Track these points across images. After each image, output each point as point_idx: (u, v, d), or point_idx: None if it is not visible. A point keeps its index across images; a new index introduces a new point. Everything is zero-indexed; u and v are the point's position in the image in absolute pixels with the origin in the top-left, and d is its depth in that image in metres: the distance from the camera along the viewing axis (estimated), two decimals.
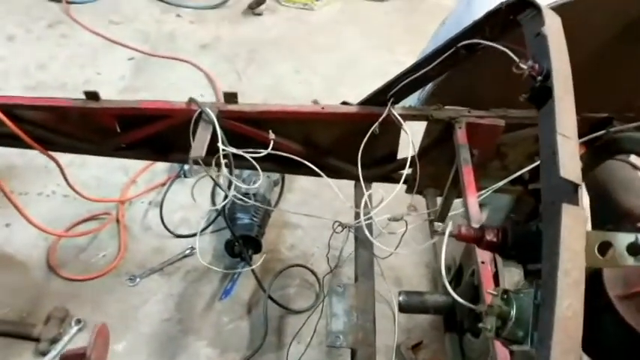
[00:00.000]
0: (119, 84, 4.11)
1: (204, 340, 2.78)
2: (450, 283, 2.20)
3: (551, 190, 1.38)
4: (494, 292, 1.37)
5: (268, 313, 2.78)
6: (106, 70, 4.22)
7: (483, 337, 1.92)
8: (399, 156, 2.55)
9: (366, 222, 2.22)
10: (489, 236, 1.49)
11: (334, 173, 2.54)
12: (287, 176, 3.43)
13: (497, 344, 1.59)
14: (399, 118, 2.25)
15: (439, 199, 2.56)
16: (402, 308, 2.10)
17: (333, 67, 4.37)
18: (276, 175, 3.35)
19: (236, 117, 2.31)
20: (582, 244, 1.25)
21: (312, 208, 3.29)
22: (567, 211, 1.29)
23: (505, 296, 1.36)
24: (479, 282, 1.81)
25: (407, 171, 2.31)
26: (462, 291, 2.12)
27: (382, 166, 2.55)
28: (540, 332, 1.22)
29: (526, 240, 1.47)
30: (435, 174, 2.47)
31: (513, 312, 1.32)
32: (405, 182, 2.50)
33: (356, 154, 2.28)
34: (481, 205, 3.04)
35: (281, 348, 2.75)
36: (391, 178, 2.59)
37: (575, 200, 1.32)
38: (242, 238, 2.88)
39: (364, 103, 2.35)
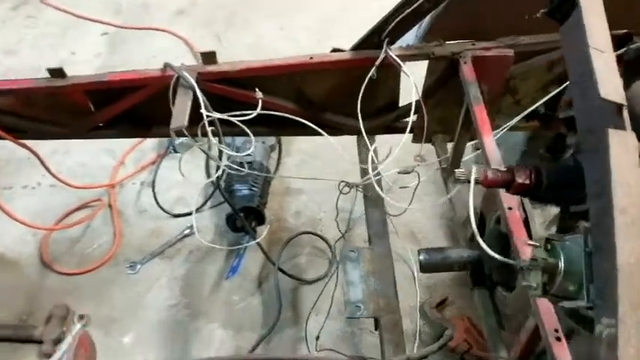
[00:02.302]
0: (95, 62, 3.86)
1: (215, 322, 2.61)
2: (471, 236, 2.03)
3: (590, 115, 1.17)
4: (536, 243, 1.18)
5: (280, 286, 2.61)
6: (80, 49, 3.96)
7: (519, 290, 1.73)
8: (402, 103, 2.34)
9: (375, 178, 2.02)
10: (520, 178, 1.29)
11: (333, 130, 2.33)
12: (284, 140, 3.21)
13: (541, 301, 1.41)
14: (397, 59, 2.02)
15: (449, 146, 2.35)
16: (424, 268, 1.92)
17: (321, 20, 4.09)
18: (271, 140, 3.13)
19: (217, 78, 2.09)
20: (638, 175, 1.05)
21: (314, 171, 3.08)
22: (614, 137, 1.09)
23: (549, 246, 1.16)
24: (508, 231, 1.61)
25: (412, 118, 2.09)
26: (487, 242, 1.93)
27: (384, 115, 2.34)
28: (598, 284, 1.03)
29: (565, 178, 1.28)
30: (442, 118, 2.26)
31: (561, 264, 1.12)
32: (411, 131, 2.29)
33: (354, 107, 2.06)
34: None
35: (299, 322, 2.58)
36: (395, 129, 2.38)
37: (621, 124, 1.11)
38: (243, 211, 2.69)
39: (357, 47, 2.12)
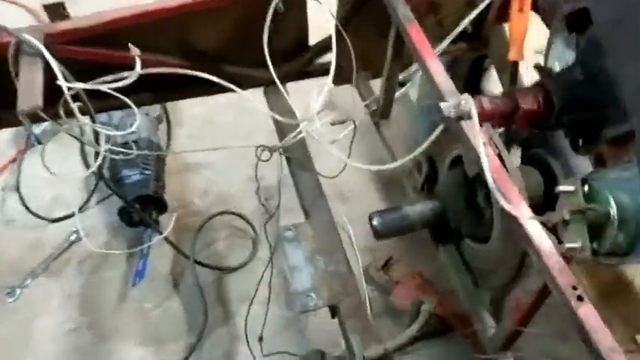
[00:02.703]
0: None
1: (130, 340, 2.15)
2: (422, 185, 1.71)
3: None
4: (569, 188, 0.85)
5: (200, 281, 2.18)
6: None
7: (496, 239, 1.44)
8: (312, 42, 1.95)
9: (301, 135, 1.63)
10: (526, 104, 0.97)
11: (235, 84, 1.90)
12: (170, 107, 2.72)
13: (547, 252, 1.11)
14: None
15: (377, 88, 2.01)
16: (380, 234, 1.58)
17: None
18: (156, 110, 2.62)
19: (74, 39, 1.57)
20: None
21: (213, 139, 2.64)
22: None
23: (586, 189, 0.85)
24: (486, 174, 1.29)
25: (333, 54, 1.71)
26: (444, 189, 1.62)
27: (294, 59, 1.93)
28: None
29: (581, 96, 0.97)
30: (364, 50, 1.88)
31: (613, 211, 0.82)
32: (327, 73, 1.92)
33: (256, 53, 1.65)
34: (403, 84, 2.54)
35: (231, 318, 2.19)
36: (309, 73, 1.98)
37: None
38: (138, 201, 2.21)
39: None
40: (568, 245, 0.90)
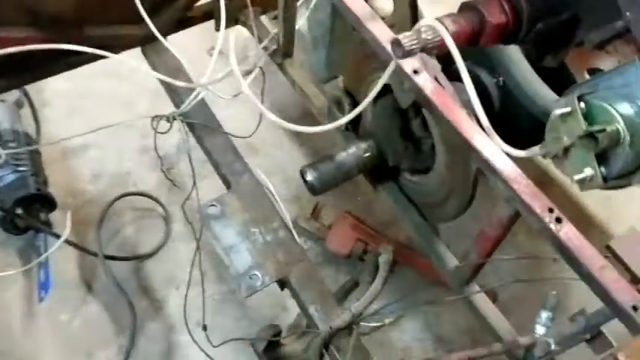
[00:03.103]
0: None
1: None
2: (347, 125, 1.55)
3: None
4: (566, 109, 0.72)
5: (117, 276, 1.93)
6: None
7: (442, 167, 1.33)
8: None
9: (201, 95, 1.40)
10: (494, 17, 0.81)
11: (104, 49, 1.60)
12: (31, 88, 2.32)
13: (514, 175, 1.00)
14: None
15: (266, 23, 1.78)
16: (317, 189, 1.41)
17: None
18: (13, 95, 2.23)
19: None
20: None
21: (91, 115, 2.30)
22: None
23: (583, 105, 0.72)
24: (424, 100, 1.14)
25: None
26: (376, 125, 1.47)
27: (169, 6, 1.65)
28: None
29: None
30: None
31: (622, 126, 0.70)
32: (210, 16, 1.67)
33: (122, 6, 1.38)
34: None
35: (162, 308, 1.97)
36: (189, 20, 1.71)
37: None
38: (19, 205, 1.89)
39: None
40: (576, 177, 0.78)
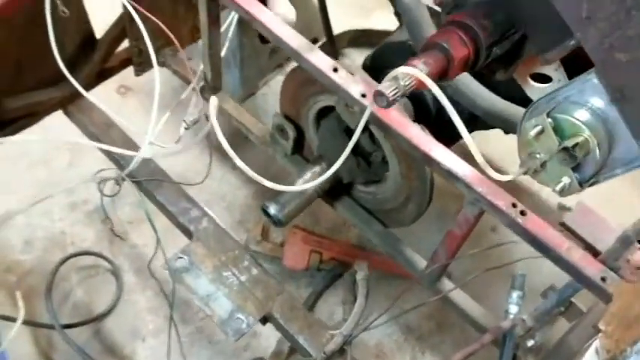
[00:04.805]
0: None
1: None
2: (292, 149, 1.57)
3: None
4: (538, 129, 0.79)
5: (79, 343, 1.84)
6: None
7: (394, 177, 1.39)
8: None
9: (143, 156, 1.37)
10: (458, 51, 0.86)
11: (29, 117, 1.52)
12: None
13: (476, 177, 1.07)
14: None
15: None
16: (282, 221, 1.43)
17: None
18: None
19: None
20: None
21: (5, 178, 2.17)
22: None
23: (551, 120, 0.79)
24: (374, 118, 1.19)
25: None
26: (325, 147, 1.50)
27: (85, 62, 1.58)
28: None
29: (507, 17, 0.88)
30: (165, 24, 1.61)
31: (589, 134, 0.77)
32: (129, 63, 1.64)
33: (37, 72, 1.32)
34: None
35: None
36: (109, 71, 1.66)
37: None
38: None
39: None
40: (557, 187, 0.86)
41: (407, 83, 0.86)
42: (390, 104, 0.86)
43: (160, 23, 1.39)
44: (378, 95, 0.86)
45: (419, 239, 1.70)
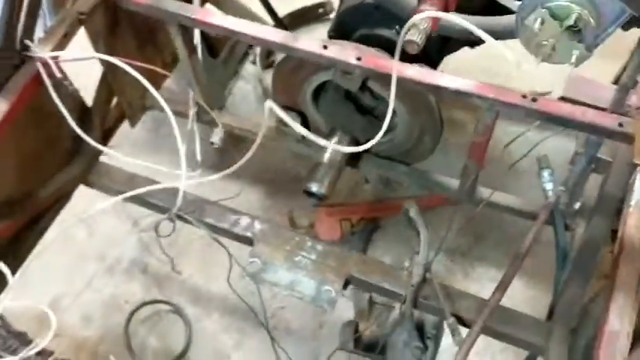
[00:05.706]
0: None
1: None
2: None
3: None
4: (538, 22, 0.93)
5: None
6: None
7: (403, 119, 1.53)
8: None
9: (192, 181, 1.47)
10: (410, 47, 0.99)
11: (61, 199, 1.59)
12: None
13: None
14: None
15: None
16: (325, 196, 1.56)
17: None
18: None
19: None
20: None
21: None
22: None
23: (546, 11, 0.94)
24: (375, 73, 1.32)
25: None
26: (335, 117, 1.62)
27: (90, 127, 1.66)
28: None
29: None
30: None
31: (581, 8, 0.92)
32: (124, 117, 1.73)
33: (54, 155, 1.40)
34: None
35: None
36: (111, 129, 1.75)
37: None
38: None
39: None
40: (572, 60, 1.00)
41: (426, 26, 1.00)
42: (419, 48, 1.00)
43: (137, 74, 1.43)
44: (409, 43, 1.00)
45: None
